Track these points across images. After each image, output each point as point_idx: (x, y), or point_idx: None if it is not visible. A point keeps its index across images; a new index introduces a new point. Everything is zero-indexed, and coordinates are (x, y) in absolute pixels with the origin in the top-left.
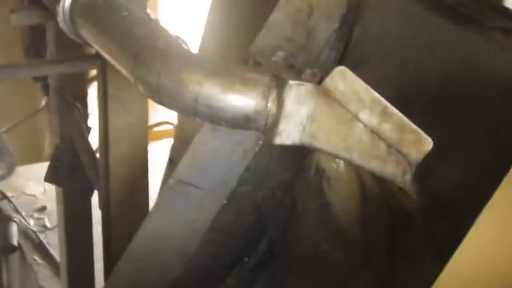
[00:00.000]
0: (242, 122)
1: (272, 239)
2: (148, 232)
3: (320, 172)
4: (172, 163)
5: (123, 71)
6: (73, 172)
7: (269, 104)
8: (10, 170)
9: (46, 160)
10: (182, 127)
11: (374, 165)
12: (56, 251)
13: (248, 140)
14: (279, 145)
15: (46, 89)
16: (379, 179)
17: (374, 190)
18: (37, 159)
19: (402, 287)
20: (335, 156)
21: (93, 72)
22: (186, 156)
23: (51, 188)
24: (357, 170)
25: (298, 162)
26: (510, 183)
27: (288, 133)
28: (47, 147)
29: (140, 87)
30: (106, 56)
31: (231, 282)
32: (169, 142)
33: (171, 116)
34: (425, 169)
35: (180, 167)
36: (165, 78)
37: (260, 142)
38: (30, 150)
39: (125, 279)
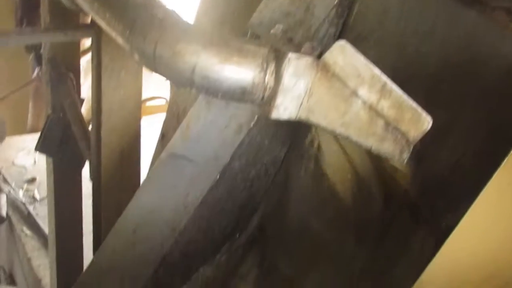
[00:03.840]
0: (239, 94)
1: (263, 215)
2: (138, 205)
3: (315, 149)
4: (164, 137)
5: (119, 40)
6: (64, 143)
7: (267, 77)
8: (0, 138)
9: (29, 132)
10: (175, 101)
11: (371, 143)
12: (44, 223)
13: (243, 114)
14: (275, 120)
15: (38, 60)
16: (373, 159)
17: (368, 170)
18: (26, 130)
19: (394, 268)
20: (331, 132)
21: (86, 45)
22: (179, 129)
23: (41, 160)
24: (350, 151)
25: (292, 138)
26: (509, 168)
27: (285, 107)
28: (30, 119)
29: (136, 56)
30: (101, 24)
31: (221, 258)
32: (161, 117)
33: (164, 91)
34: (422, 150)
35: (173, 140)
36: (161, 48)
37: (256, 117)
38: (19, 121)
39: (114, 252)
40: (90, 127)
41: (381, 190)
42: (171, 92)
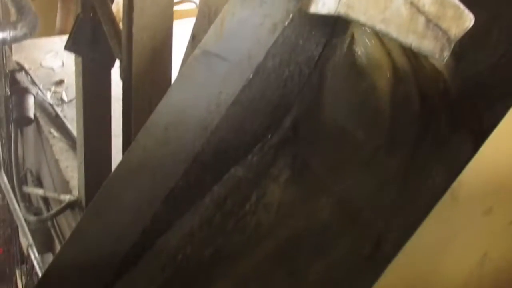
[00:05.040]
0: None
1: (297, 116)
2: (170, 103)
3: (353, 49)
4: (195, 38)
5: None
6: (95, 42)
7: None
8: (32, 29)
9: (58, 34)
10: (206, 2)
11: (411, 40)
12: (72, 125)
13: (278, 13)
14: (310, 18)
15: None
16: (413, 58)
17: (405, 70)
18: (54, 33)
19: (431, 171)
20: (371, 28)
21: None
22: (213, 26)
23: (70, 62)
24: (388, 50)
25: (328, 38)
26: None
27: (324, 2)
28: (59, 21)
29: None
30: None
31: (253, 159)
32: (191, 21)
33: None
34: (461, 50)
35: (206, 37)
36: None
37: (290, 16)
38: (47, 24)
39: (145, 150)
40: (121, 26)
41: (420, 91)
42: None
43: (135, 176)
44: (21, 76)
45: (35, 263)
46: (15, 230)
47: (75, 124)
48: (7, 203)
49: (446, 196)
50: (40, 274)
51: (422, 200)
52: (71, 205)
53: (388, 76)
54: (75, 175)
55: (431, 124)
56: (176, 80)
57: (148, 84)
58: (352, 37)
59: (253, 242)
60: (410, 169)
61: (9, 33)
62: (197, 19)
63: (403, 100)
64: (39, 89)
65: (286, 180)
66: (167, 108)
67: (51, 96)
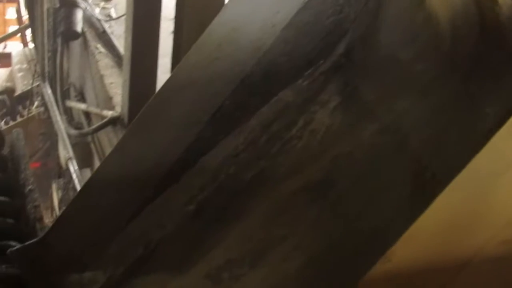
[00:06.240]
0: None
1: (351, 43)
2: (225, 20)
3: None
4: None
5: None
6: None
7: None
8: None
9: None
10: None
11: None
12: (119, 42)
13: None
14: None
15: None
16: None
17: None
18: None
19: (483, 104)
20: None
21: None
22: None
23: None
24: None
25: None
26: None
27: None
28: None
29: None
30: None
31: (303, 83)
32: None
33: None
34: None
35: None
36: None
37: None
38: None
39: (195, 67)
40: None
41: (479, 21)
42: None
43: (183, 92)
44: None
45: (74, 176)
46: (54, 144)
47: (122, 41)
48: (48, 116)
49: (503, 130)
50: (78, 187)
51: (474, 134)
52: (113, 121)
53: (448, 5)
54: (119, 91)
55: (488, 56)
56: None
57: (201, 2)
58: None
59: (296, 167)
60: (463, 101)
61: None
62: None
63: (463, 31)
64: (88, 4)
65: (335, 107)
66: (221, 25)
67: (99, 12)
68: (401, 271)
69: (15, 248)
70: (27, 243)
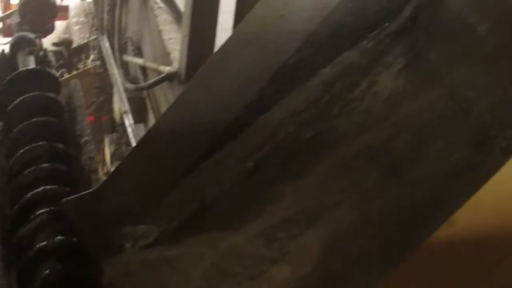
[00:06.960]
0: None
1: (418, 5)
2: None
3: None
4: None
5: None
6: None
7: None
8: None
9: None
10: None
11: None
12: None
13: None
14: None
15: None
16: None
17: None
18: None
19: None
20: None
21: None
22: None
23: None
24: None
25: None
26: None
27: None
28: None
29: None
30: None
31: (368, 45)
32: None
33: None
34: None
35: None
36: None
37: None
38: None
39: (260, 23)
40: None
41: None
42: None
43: (246, 48)
44: None
45: (129, 130)
46: (108, 98)
47: None
48: (104, 70)
49: None
50: (132, 141)
51: None
52: (170, 77)
53: None
54: (177, 47)
55: None
56: None
57: None
58: None
59: (357, 129)
60: None
61: None
62: None
63: None
64: None
65: (399, 70)
66: None
67: None
68: (463, 239)
69: (69, 198)
70: (81, 193)
